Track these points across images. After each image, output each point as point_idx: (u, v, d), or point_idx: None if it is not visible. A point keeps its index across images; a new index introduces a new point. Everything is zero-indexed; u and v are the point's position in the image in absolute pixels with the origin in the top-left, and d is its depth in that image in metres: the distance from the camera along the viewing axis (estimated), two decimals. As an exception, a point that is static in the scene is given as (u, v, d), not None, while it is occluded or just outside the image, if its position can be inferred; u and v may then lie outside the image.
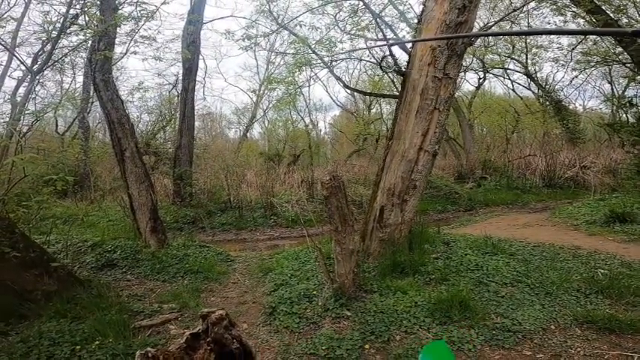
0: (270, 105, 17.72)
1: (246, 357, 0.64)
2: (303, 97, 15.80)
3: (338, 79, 7.13)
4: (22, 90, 7.08)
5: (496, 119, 14.83)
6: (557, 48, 12.19)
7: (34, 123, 4.99)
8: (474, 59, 12.95)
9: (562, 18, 10.39)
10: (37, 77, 4.62)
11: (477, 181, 11.10)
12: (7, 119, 4.05)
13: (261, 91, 17.45)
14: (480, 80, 14.45)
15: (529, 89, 15.19)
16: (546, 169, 10.63)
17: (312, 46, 5.36)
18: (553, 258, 4.20)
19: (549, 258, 4.21)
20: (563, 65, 13.06)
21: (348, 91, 16.59)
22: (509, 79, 15.11)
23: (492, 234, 4.78)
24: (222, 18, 15.23)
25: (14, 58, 8.21)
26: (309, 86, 13.77)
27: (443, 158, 13.86)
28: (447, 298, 3.12)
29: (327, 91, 25.56)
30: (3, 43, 4.97)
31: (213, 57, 23.46)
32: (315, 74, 8.08)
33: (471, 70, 13.60)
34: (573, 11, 9.72)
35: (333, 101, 20.91)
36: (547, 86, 14.16)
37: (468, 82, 15.55)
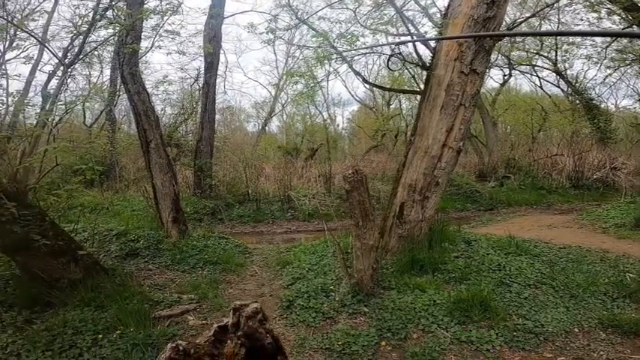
0: (289, 99, 17.77)
1: (278, 352, 0.63)
2: (322, 92, 15.75)
3: (357, 74, 7.04)
4: (52, 83, 7.38)
5: (521, 117, 14.31)
6: (591, 45, 11.61)
7: (64, 115, 5.17)
8: (499, 56, 12.52)
9: (595, 15, 9.88)
10: (69, 70, 4.78)
11: (499, 180, 10.80)
12: (39, 111, 4.21)
13: (280, 85, 17.51)
14: (505, 77, 13.97)
15: (558, 87, 14.57)
16: (574, 170, 10.23)
17: (333, 41, 5.31)
18: (580, 260, 4.07)
19: (576, 260, 4.07)
20: (596, 63, 12.44)
21: (367, 86, 16.43)
22: (537, 76, 14.54)
23: (515, 234, 4.65)
24: (242, 12, 15.27)
25: (45, 51, 8.56)
26: (327, 81, 13.68)
27: (464, 156, 13.51)
28: (467, 297, 3.06)
29: (345, 86, 25.30)
30: (36, 36, 5.18)
31: (233, 51, 23.64)
32: (335, 69, 8.02)
33: (496, 66, 13.17)
34: (608, 8, 9.21)
35: (352, 96, 20.71)
36: (577, 84, 13.56)
37: (492, 78, 15.05)
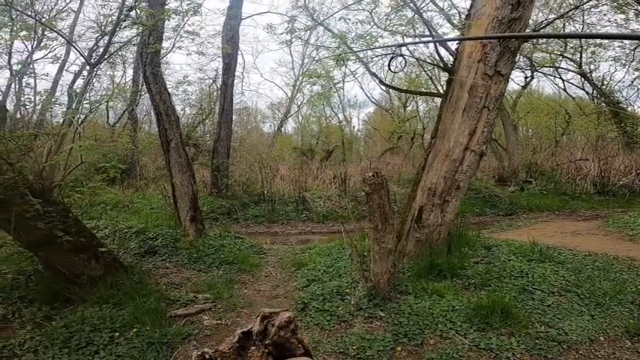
0: (305, 100, 17.83)
1: None
2: (338, 94, 15.74)
3: (374, 75, 6.99)
4: (77, 83, 7.61)
5: (544, 120, 13.90)
6: (619, 47, 11.17)
7: (89, 114, 5.32)
8: (521, 57, 12.20)
9: (623, 16, 9.51)
10: (95, 69, 4.92)
11: (520, 185, 10.51)
12: (65, 109, 4.34)
13: (297, 87, 17.59)
14: (527, 79, 13.60)
15: (583, 89, 14.08)
16: (599, 175, 9.86)
17: (349, 42, 5.29)
18: (606, 268, 3.90)
19: (602, 268, 3.91)
20: (623, 65, 11.98)
21: (384, 88, 16.30)
22: (561, 78, 14.08)
23: (538, 241, 4.50)
24: (260, 14, 15.55)
25: (71, 51, 8.83)
26: (344, 82, 13.66)
27: (482, 160, 13.26)
28: (487, 304, 2.98)
29: (361, 88, 25.17)
30: (64, 36, 5.35)
31: (250, 52, 23.94)
32: (352, 71, 8.00)
33: (518, 68, 12.82)
34: (636, 9, 8.86)
35: (368, 98, 20.59)
36: (604, 87, 13.07)
37: (513, 80, 14.67)
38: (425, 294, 3.29)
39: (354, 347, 2.70)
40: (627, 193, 9.42)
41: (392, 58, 2.24)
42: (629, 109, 13.28)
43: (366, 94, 24.26)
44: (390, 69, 2.29)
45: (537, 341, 2.68)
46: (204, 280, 4.09)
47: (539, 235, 5.65)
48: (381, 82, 8.79)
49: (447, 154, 3.82)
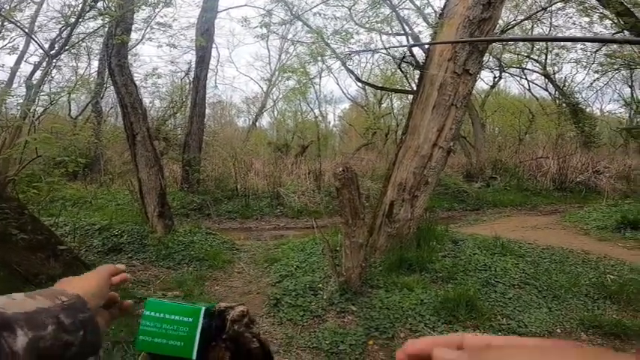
0: (281, 95, 17.66)
1: (265, 357, 0.61)
2: (314, 89, 15.71)
3: (350, 72, 7.03)
4: (37, 74, 7.14)
5: (509, 119, 14.52)
6: (581, 49, 11.77)
7: (48, 106, 5.00)
8: (490, 57, 12.66)
9: (587, 19, 10.04)
10: (54, 61, 4.62)
11: (486, 181, 10.95)
12: (22, 101, 4.07)
13: (272, 81, 17.37)
14: (495, 79, 14.15)
15: (546, 90, 14.81)
16: (558, 172, 10.44)
17: (327, 38, 5.28)
18: (562, 261, 4.15)
19: (559, 261, 4.15)
20: (584, 67, 12.67)
21: (360, 84, 16.43)
22: (526, 78, 14.74)
23: (501, 235, 4.72)
24: (237, 7, 15.10)
25: (31, 42, 8.27)
26: (320, 78, 13.63)
27: (452, 156, 13.66)
28: (453, 297, 3.09)
29: (338, 84, 25.29)
30: (22, 27, 4.99)
31: (225, 46, 23.38)
32: (328, 67, 7.99)
33: (487, 68, 13.29)
34: (601, 13, 9.37)
35: (344, 94, 20.74)
36: (565, 88, 13.81)
37: (482, 80, 15.22)
38: (395, 288, 3.37)
39: (327, 342, 2.73)
40: (584, 189, 10.02)
41: (403, 57, 2.25)
42: (587, 110, 14.12)
43: (342, 90, 24.45)
44: (400, 70, 2.29)
45: (499, 333, 2.79)
46: (174, 277, 3.99)
47: (502, 229, 5.92)
48: (358, 78, 8.86)
49: (417, 151, 3.91)
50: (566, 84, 13.90)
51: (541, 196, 9.92)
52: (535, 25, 11.08)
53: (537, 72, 13.93)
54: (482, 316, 2.93)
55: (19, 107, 3.91)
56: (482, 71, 12.89)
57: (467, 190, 10.02)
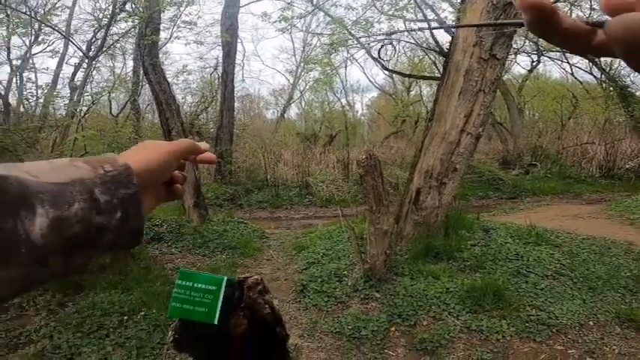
0: (307, 86, 17.69)
1: (276, 323, 0.68)
2: (340, 79, 15.58)
3: (376, 60, 6.93)
4: (78, 75, 7.66)
5: (550, 104, 13.63)
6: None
7: (91, 105, 5.39)
8: (527, 42, 11.89)
9: None
10: (94, 62, 4.97)
11: (524, 168, 10.44)
12: (67, 102, 4.41)
13: (298, 73, 17.42)
14: (534, 64, 13.29)
15: (591, 73, 13.69)
16: (605, 159, 9.75)
17: (349, 27, 5.22)
18: (602, 252, 3.93)
19: (598, 252, 3.95)
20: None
21: (387, 72, 16.08)
22: (568, 62, 13.72)
23: (538, 224, 4.54)
24: (258, 0, 15.21)
25: (70, 45, 8.86)
26: (345, 67, 13.49)
27: (487, 143, 13.11)
28: (480, 286, 3.06)
29: (364, 73, 24.87)
30: (60, 30, 5.39)
31: (250, 40, 23.66)
32: (352, 55, 7.88)
33: (524, 52, 12.48)
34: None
35: (371, 82, 20.34)
36: (612, 71, 12.73)
37: (519, 64, 14.35)
38: (420, 276, 3.38)
39: (349, 327, 2.81)
40: (633, 177, 9.32)
41: (382, 46, 2.25)
42: (637, 93, 12.95)
43: (369, 79, 23.97)
44: (379, 57, 2.30)
45: (527, 324, 2.73)
46: (208, 264, 4.22)
47: (540, 218, 5.68)
48: (384, 66, 8.68)
49: (444, 137, 3.84)
50: (613, 67, 12.79)
51: (586, 184, 9.34)
52: (573, 8, 10.24)
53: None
54: (510, 307, 2.88)
55: (65, 108, 4.24)
56: (518, 56, 12.18)
57: (503, 178, 9.62)
